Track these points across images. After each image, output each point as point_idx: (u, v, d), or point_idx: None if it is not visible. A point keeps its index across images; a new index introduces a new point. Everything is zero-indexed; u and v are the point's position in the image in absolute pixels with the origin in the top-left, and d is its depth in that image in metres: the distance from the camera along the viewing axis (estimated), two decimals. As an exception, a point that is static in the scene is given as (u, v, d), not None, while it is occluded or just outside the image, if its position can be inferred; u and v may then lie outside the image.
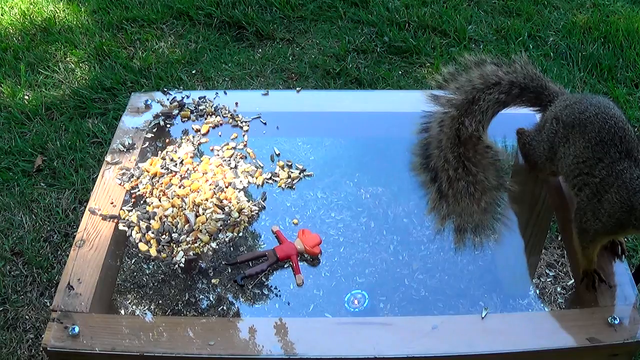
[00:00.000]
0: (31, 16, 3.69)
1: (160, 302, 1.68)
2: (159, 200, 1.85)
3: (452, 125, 1.82)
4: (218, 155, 2.01)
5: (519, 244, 1.88)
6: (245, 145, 2.05)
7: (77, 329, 1.54)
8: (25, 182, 2.83)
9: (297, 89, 2.27)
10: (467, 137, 1.81)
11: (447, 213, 1.79)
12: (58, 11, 3.74)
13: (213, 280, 1.71)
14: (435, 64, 3.30)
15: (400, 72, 3.30)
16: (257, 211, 1.85)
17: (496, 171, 1.82)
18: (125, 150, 2.00)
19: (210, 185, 1.88)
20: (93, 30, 3.58)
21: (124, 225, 1.80)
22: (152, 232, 1.78)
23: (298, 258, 1.73)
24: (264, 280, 1.71)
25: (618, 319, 1.55)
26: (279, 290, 1.69)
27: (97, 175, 1.98)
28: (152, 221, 1.80)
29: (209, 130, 2.09)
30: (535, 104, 1.89)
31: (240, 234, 1.80)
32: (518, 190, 1.87)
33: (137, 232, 1.79)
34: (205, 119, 2.13)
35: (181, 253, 1.74)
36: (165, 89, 2.23)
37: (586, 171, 1.61)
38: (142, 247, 1.76)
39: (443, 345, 1.53)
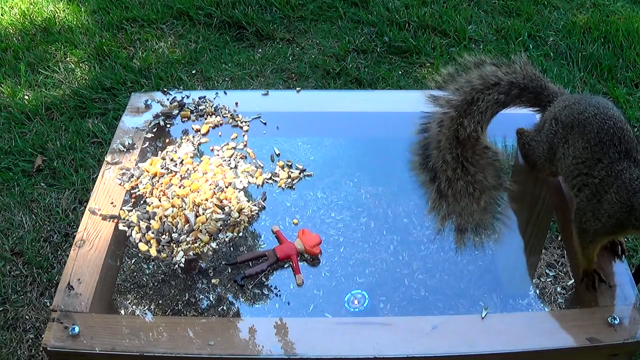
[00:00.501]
0: (31, 16, 3.69)
1: (160, 302, 1.68)
2: (159, 200, 1.85)
3: (450, 126, 1.82)
4: (218, 155, 2.01)
5: (519, 244, 1.88)
6: (245, 145, 2.05)
7: (77, 329, 1.54)
8: (25, 182, 2.83)
9: (297, 89, 2.27)
10: (466, 138, 1.81)
11: (447, 213, 1.79)
12: (58, 11, 3.74)
13: (213, 280, 1.71)
14: (435, 64, 3.30)
15: (400, 72, 3.30)
16: (257, 211, 1.85)
17: (495, 171, 1.82)
18: (125, 150, 2.01)
19: (210, 185, 1.88)
20: (93, 30, 3.58)
21: (124, 225, 1.80)
22: (152, 232, 1.78)
23: (298, 258, 1.73)
24: (264, 280, 1.71)
25: (618, 319, 1.55)
26: (279, 290, 1.69)
27: (97, 175, 1.98)
28: (152, 221, 1.80)
29: (209, 130, 2.09)
30: (534, 104, 1.89)
31: (240, 234, 1.80)
32: (517, 189, 1.87)
33: (137, 232, 1.79)
34: (205, 119, 2.13)
35: (181, 253, 1.74)
36: (165, 89, 2.23)
37: (585, 172, 1.61)
38: (142, 247, 1.76)
39: (443, 345, 1.53)
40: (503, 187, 1.82)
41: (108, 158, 1.98)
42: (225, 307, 1.66)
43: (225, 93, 2.22)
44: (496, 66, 1.87)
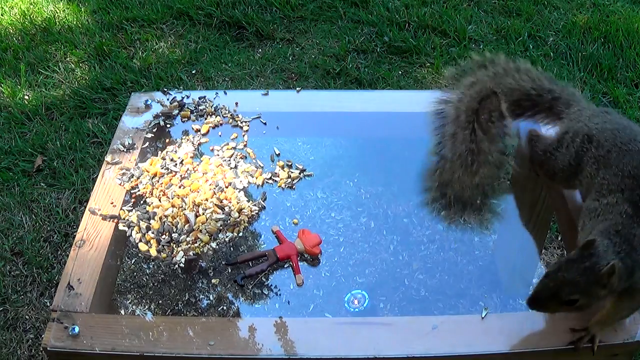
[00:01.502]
0: (31, 16, 3.69)
1: (160, 302, 1.68)
2: (159, 200, 1.85)
3: (480, 90, 1.79)
4: (218, 155, 2.01)
5: (519, 244, 1.88)
6: (245, 145, 2.05)
7: (77, 329, 1.54)
8: (25, 182, 2.83)
9: (297, 89, 2.27)
10: (488, 96, 1.77)
11: (441, 181, 1.76)
12: (58, 11, 3.74)
13: (213, 280, 1.71)
14: (435, 64, 3.30)
15: (400, 72, 3.30)
16: (257, 211, 1.85)
17: (501, 146, 1.78)
18: (125, 150, 2.01)
19: (210, 185, 1.88)
20: (93, 30, 3.58)
21: (124, 225, 1.80)
22: (152, 232, 1.78)
23: (298, 258, 1.73)
24: (264, 280, 1.71)
25: (618, 319, 1.55)
26: (279, 290, 1.69)
27: (97, 175, 1.98)
28: (152, 221, 1.80)
29: (209, 130, 2.09)
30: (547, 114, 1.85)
31: (240, 234, 1.80)
32: (516, 187, 1.87)
33: (137, 232, 1.79)
34: (205, 119, 2.13)
35: (181, 253, 1.74)
36: (165, 89, 2.23)
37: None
38: (142, 247, 1.76)
39: (443, 345, 1.53)
40: (503, 167, 1.78)
41: (108, 158, 1.98)
42: (225, 307, 1.66)
43: (225, 93, 2.22)
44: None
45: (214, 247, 1.76)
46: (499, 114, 1.80)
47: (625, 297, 1.47)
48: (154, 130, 2.09)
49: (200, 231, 1.78)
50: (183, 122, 2.13)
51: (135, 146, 2.02)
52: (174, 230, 1.78)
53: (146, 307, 1.67)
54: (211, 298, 1.68)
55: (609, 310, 1.50)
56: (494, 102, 1.79)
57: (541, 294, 1.44)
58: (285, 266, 1.74)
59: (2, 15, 3.72)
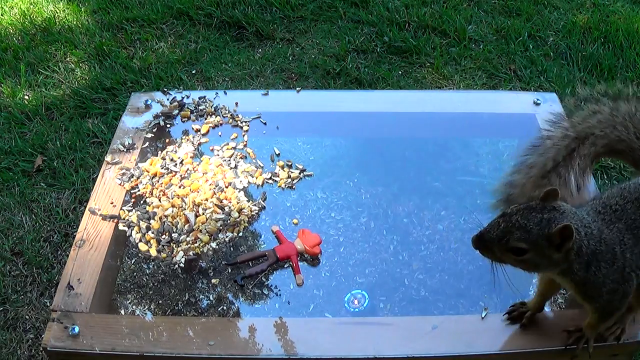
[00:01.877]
0: (31, 16, 3.69)
1: (160, 302, 1.68)
2: (159, 200, 1.85)
3: (596, 125, 1.64)
4: (218, 155, 2.01)
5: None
6: (245, 145, 2.05)
7: (77, 329, 1.54)
8: (25, 182, 2.83)
9: (297, 89, 2.27)
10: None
11: (509, 180, 1.65)
12: (58, 11, 3.74)
13: (213, 280, 1.71)
14: (435, 64, 3.30)
15: (400, 72, 3.30)
16: (257, 211, 1.85)
17: (577, 183, 1.62)
18: (125, 150, 2.01)
19: (210, 185, 1.88)
20: (93, 30, 3.58)
21: (124, 225, 1.80)
22: (152, 232, 1.78)
23: (298, 258, 1.73)
24: (264, 280, 1.71)
25: (618, 319, 1.55)
26: (279, 290, 1.69)
27: (97, 175, 1.98)
28: (152, 221, 1.80)
29: (209, 130, 2.09)
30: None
31: (240, 234, 1.80)
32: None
33: (137, 232, 1.79)
34: (205, 119, 2.13)
35: (181, 253, 1.74)
36: (165, 89, 2.23)
37: None
38: (142, 247, 1.76)
39: (443, 345, 1.53)
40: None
41: (108, 158, 1.98)
42: (225, 307, 1.66)
43: (225, 93, 2.22)
44: None
45: (214, 247, 1.76)
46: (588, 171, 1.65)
47: (588, 293, 1.41)
48: (154, 130, 2.09)
49: (200, 231, 1.78)
50: (183, 122, 2.13)
51: (135, 146, 2.02)
52: (174, 230, 1.78)
53: (146, 307, 1.67)
54: (211, 298, 1.68)
55: (593, 315, 1.48)
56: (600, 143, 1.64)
57: (489, 232, 1.35)
58: (285, 266, 1.74)
59: (2, 15, 3.72)
